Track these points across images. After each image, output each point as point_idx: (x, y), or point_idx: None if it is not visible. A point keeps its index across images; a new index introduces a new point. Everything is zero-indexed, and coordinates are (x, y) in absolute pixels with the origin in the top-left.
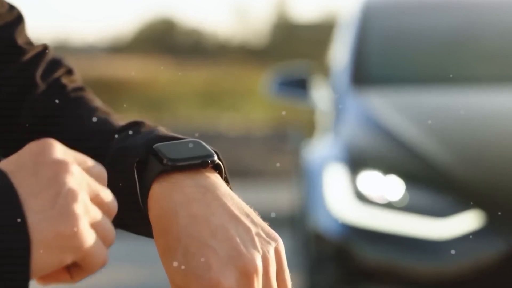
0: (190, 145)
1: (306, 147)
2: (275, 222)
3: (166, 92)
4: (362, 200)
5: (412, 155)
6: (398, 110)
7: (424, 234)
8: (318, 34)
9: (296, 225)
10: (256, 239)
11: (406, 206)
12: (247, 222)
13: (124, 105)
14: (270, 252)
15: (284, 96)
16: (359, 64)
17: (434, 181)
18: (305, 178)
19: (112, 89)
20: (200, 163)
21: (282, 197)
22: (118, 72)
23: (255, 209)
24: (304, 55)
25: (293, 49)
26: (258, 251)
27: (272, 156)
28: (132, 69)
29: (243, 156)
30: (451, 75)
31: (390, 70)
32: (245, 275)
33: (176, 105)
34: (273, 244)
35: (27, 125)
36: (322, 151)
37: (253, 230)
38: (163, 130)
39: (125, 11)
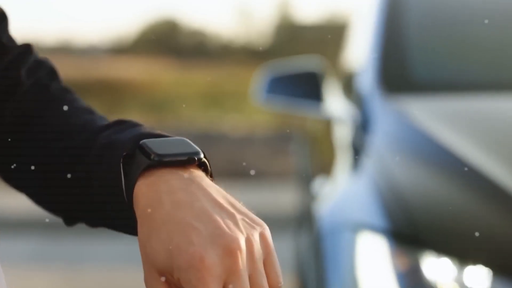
0: (177, 142)
1: (318, 187)
2: (278, 223)
3: (169, 93)
4: None
5: (505, 223)
6: (461, 132)
7: None
8: (322, 35)
9: None
10: (240, 223)
11: None
12: (231, 209)
13: (128, 106)
14: (255, 235)
15: (280, 101)
16: (390, 61)
17: None
18: (319, 245)
19: (115, 90)
20: (187, 160)
21: (284, 198)
22: (121, 73)
23: (257, 210)
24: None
25: (297, 50)
26: (242, 233)
27: (275, 158)
28: (135, 70)
29: (246, 157)
30: None
31: (436, 69)
32: (229, 253)
33: (179, 106)
34: (258, 229)
35: (10, 124)
36: (346, 204)
37: (237, 216)
38: (149, 128)
39: (128, 12)
